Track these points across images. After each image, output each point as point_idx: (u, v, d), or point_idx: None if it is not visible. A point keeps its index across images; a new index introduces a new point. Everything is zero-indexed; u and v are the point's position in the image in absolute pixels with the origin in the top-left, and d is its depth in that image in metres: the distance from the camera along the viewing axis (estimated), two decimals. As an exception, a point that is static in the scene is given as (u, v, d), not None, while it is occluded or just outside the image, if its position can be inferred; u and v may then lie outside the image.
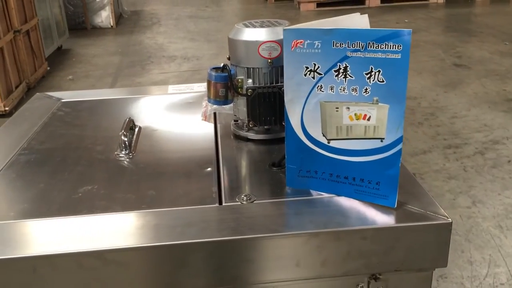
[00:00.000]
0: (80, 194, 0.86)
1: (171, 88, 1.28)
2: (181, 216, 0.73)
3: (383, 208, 0.70)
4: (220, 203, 0.77)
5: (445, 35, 6.69)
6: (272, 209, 0.76)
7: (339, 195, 0.72)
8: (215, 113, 1.09)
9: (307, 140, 0.73)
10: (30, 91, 5.05)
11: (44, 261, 0.65)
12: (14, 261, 0.66)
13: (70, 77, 5.67)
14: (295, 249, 0.67)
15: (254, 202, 0.76)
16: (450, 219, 0.69)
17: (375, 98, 0.68)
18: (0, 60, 4.44)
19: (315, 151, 0.73)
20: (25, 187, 0.93)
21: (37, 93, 1.55)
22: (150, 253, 0.67)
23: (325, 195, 0.74)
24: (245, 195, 0.76)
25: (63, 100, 1.29)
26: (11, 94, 4.60)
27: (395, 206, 0.70)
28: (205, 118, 1.06)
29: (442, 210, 0.69)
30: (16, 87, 4.76)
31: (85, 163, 0.97)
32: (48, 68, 5.73)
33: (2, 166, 0.99)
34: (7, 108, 4.44)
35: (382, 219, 0.68)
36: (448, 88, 4.58)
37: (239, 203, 0.76)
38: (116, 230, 0.72)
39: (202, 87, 1.26)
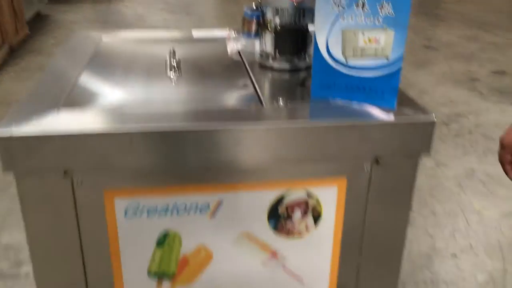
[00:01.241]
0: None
1: (194, 33, 1.48)
2: (231, 115, 0.94)
3: (386, 109, 0.94)
4: (262, 105, 0.98)
5: (417, 19, 7.01)
6: (303, 108, 0.99)
7: (353, 101, 0.96)
8: (239, 52, 1.29)
9: (330, 59, 0.96)
10: (13, 53, 5.08)
11: (139, 135, 0.85)
12: (114, 135, 0.86)
13: (52, 41, 5.71)
14: (318, 135, 0.90)
15: (289, 105, 0.98)
16: (434, 119, 0.93)
17: (384, 26, 0.91)
18: (-16, 20, 4.47)
19: (336, 68, 0.96)
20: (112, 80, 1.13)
21: (77, 32, 1.66)
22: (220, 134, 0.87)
23: (343, 102, 0.97)
24: (282, 100, 0.97)
25: (103, 39, 1.41)
26: (-5, 54, 4.65)
27: (395, 108, 0.95)
28: (233, 51, 1.26)
29: (429, 113, 0.94)
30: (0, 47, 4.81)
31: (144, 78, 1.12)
32: (29, 33, 5.74)
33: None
34: (-8, 67, 4.50)
35: (385, 116, 0.92)
36: (417, 67, 4.89)
37: (278, 105, 0.98)
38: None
39: (224, 32, 1.45)
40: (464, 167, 3.22)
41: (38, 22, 6.41)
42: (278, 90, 1.14)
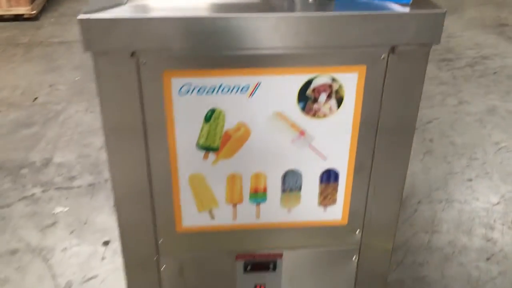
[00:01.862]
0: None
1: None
2: (270, 7, 1.09)
3: (402, 4, 1.10)
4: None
5: (448, -33, 6.89)
6: (330, 4, 1.15)
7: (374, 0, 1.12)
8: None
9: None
10: (50, 1, 5.29)
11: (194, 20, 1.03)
12: (173, 19, 1.04)
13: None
14: (342, 24, 1.06)
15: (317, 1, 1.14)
16: (445, 10, 1.08)
17: None
18: (25, -35, 4.65)
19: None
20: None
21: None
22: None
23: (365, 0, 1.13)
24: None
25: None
26: (35, 0, 4.87)
27: (410, 3, 1.10)
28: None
29: (440, 7, 1.08)
30: (39, -7, 5.01)
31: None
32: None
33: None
34: (34, 11, 4.72)
35: (401, 8, 1.08)
36: (447, 13, 4.90)
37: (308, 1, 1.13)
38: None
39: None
40: (486, 104, 3.33)
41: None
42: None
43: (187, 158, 1.21)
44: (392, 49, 1.12)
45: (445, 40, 4.37)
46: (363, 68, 1.14)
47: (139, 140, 1.18)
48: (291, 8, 1.11)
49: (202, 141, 1.20)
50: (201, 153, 1.22)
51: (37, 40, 4.35)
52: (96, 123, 3.06)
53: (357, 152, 1.25)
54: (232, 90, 1.14)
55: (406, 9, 1.09)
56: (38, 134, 2.93)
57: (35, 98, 3.34)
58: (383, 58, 1.13)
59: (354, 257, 1.41)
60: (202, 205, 1.29)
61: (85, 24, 1.03)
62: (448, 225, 2.26)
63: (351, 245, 1.39)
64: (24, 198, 2.40)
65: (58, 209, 2.33)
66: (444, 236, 2.21)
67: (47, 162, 2.68)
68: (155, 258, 1.35)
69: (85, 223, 2.25)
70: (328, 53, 1.12)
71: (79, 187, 2.49)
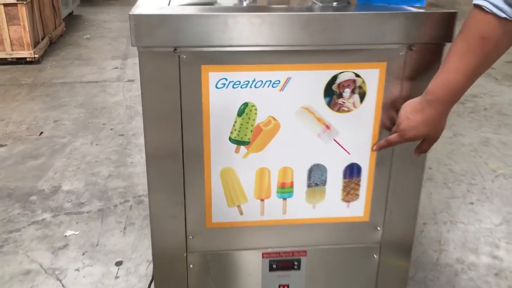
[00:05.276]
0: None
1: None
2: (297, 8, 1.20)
3: (418, 6, 1.22)
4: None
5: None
6: (352, 6, 1.27)
7: (390, 4, 1.24)
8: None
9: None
10: (52, 46, 5.45)
11: (231, 17, 1.13)
12: (213, 16, 1.14)
13: (87, 36, 6.08)
14: (363, 23, 1.17)
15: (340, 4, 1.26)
16: (456, 10, 1.20)
17: None
18: (29, 12, 4.83)
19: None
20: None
21: None
22: None
23: (384, 3, 1.25)
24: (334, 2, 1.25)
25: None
26: (38, 44, 5.02)
27: (424, 4, 1.22)
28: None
29: (453, 9, 1.21)
30: (42, 39, 5.17)
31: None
32: (65, 29, 6.12)
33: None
34: (36, 55, 4.86)
35: (417, 9, 1.20)
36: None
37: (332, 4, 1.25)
38: None
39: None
40: (480, 136, 3.45)
41: (72, 21, 6.80)
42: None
43: (219, 151, 1.28)
44: (410, 47, 1.22)
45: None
46: (383, 65, 1.24)
47: (176, 131, 1.25)
48: (318, 9, 1.23)
49: (234, 134, 1.27)
50: (233, 147, 1.29)
51: (40, 81, 4.45)
52: (102, 154, 3.11)
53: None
54: (264, 84, 1.23)
55: (421, 9, 1.21)
56: (45, 165, 2.97)
57: (41, 132, 3.40)
58: (402, 55, 1.23)
59: (375, 255, 1.46)
60: (232, 200, 1.34)
61: (135, 20, 1.13)
62: (454, 244, 2.32)
63: (372, 243, 1.44)
64: (35, 222, 2.41)
65: (69, 232, 2.34)
66: (451, 254, 2.25)
67: (55, 190, 2.70)
68: (184, 255, 1.38)
69: (96, 245, 2.25)
70: (352, 51, 1.23)
71: (88, 212, 2.51)
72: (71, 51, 5.47)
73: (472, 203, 2.65)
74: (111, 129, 3.49)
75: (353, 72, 1.24)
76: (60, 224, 2.40)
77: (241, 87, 1.22)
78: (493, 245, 2.32)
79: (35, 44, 4.97)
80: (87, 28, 6.61)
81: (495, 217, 2.53)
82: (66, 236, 2.31)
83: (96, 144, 3.26)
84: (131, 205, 2.57)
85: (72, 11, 7.20)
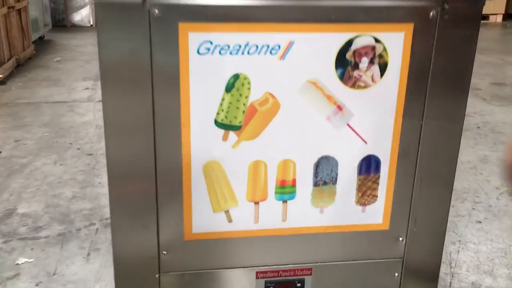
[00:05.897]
0: None
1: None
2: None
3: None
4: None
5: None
6: None
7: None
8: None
9: None
10: (19, 67, 5.14)
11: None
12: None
13: (58, 58, 5.79)
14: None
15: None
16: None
17: None
18: (-5, 31, 4.55)
19: None
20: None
21: None
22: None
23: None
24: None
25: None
26: (3, 64, 4.70)
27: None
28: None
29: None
30: (8, 59, 4.86)
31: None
32: (34, 52, 5.83)
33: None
34: (1, 75, 4.54)
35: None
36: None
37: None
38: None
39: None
40: (477, 154, 3.26)
41: (43, 45, 6.53)
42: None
43: (201, 139, 1.00)
44: (443, 7, 0.98)
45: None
46: (410, 27, 0.99)
47: (146, 105, 0.96)
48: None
49: (221, 116, 0.99)
50: (220, 133, 1.00)
51: (2, 101, 4.13)
52: (67, 175, 2.78)
53: (401, 134, 1.06)
54: (260, 51, 0.96)
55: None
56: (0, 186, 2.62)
57: (-1, 153, 3.05)
58: (432, 17, 0.99)
59: (396, 273, 1.17)
60: (218, 204, 1.05)
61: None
62: (467, 266, 2.05)
63: (393, 257, 1.16)
64: (-19, 249, 2.05)
65: (22, 260, 1.99)
66: (465, 277, 1.98)
67: (9, 213, 2.35)
68: (156, 276, 1.07)
69: (53, 274, 1.91)
70: (371, 8, 0.97)
71: (46, 237, 2.17)
72: (40, 73, 5.17)
73: (479, 222, 2.40)
74: (78, 149, 3.18)
75: (372, 37, 0.99)
76: (11, 251, 2.05)
77: (230, 53, 0.95)
78: (510, 266, 2.06)
79: (1, 64, 4.66)
80: (58, 51, 6.34)
81: (507, 236, 2.28)
82: (17, 264, 1.96)
83: (61, 164, 2.93)
84: (97, 229, 2.24)
85: (44, 36, 6.94)
